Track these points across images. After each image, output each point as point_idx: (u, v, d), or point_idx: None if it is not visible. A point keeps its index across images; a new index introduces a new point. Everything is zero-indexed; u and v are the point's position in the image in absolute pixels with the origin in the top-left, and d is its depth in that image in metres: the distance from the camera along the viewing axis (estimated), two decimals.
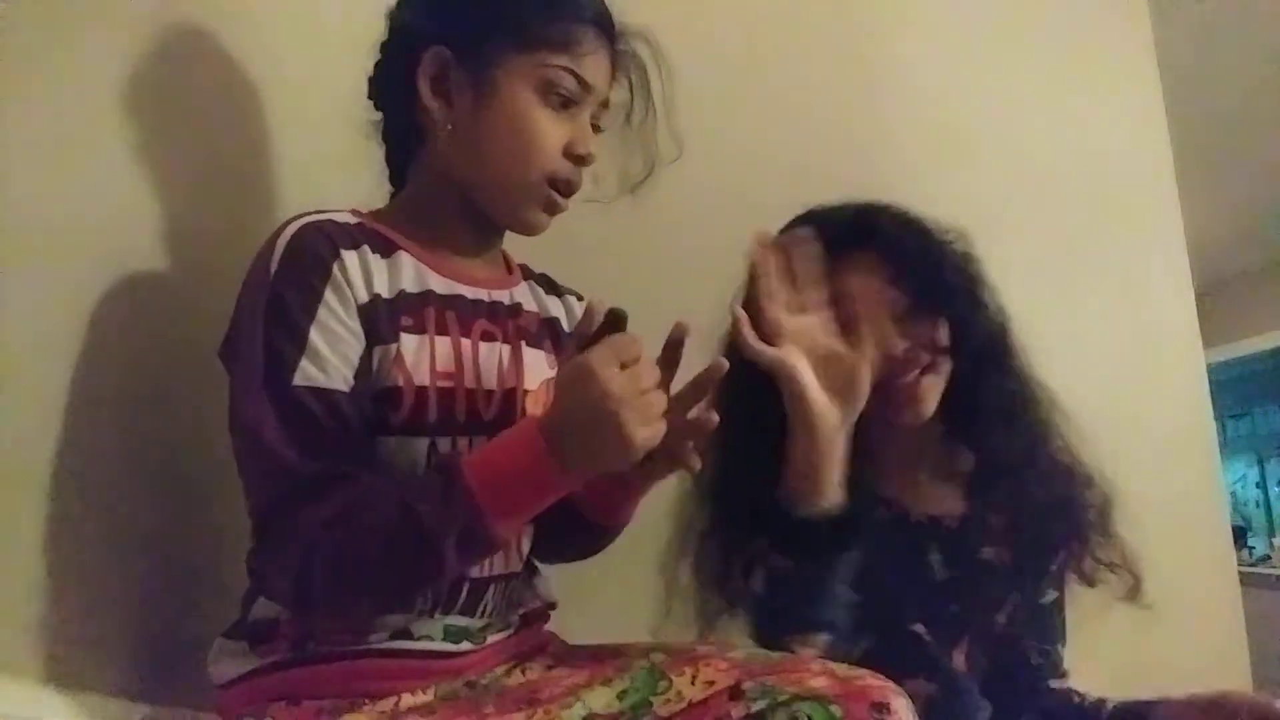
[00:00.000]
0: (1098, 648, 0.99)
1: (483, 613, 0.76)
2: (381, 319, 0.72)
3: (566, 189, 0.80)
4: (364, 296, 0.72)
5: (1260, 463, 5.62)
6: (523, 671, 0.78)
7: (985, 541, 0.93)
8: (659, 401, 0.67)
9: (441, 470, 0.67)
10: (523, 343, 0.82)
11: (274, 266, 0.70)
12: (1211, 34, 2.32)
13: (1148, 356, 1.78)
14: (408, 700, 0.70)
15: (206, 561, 0.83)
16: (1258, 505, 5.58)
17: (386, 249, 0.76)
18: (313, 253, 0.71)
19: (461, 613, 0.75)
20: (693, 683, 0.67)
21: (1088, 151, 1.83)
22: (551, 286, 0.93)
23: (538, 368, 0.82)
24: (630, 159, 0.87)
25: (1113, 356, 1.74)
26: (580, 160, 0.79)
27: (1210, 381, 1.86)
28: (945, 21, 1.80)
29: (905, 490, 0.92)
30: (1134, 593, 0.98)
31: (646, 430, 0.65)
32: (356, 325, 0.71)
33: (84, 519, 0.69)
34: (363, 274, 0.73)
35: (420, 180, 0.83)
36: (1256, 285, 4.61)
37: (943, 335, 0.93)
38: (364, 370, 0.71)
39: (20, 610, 0.63)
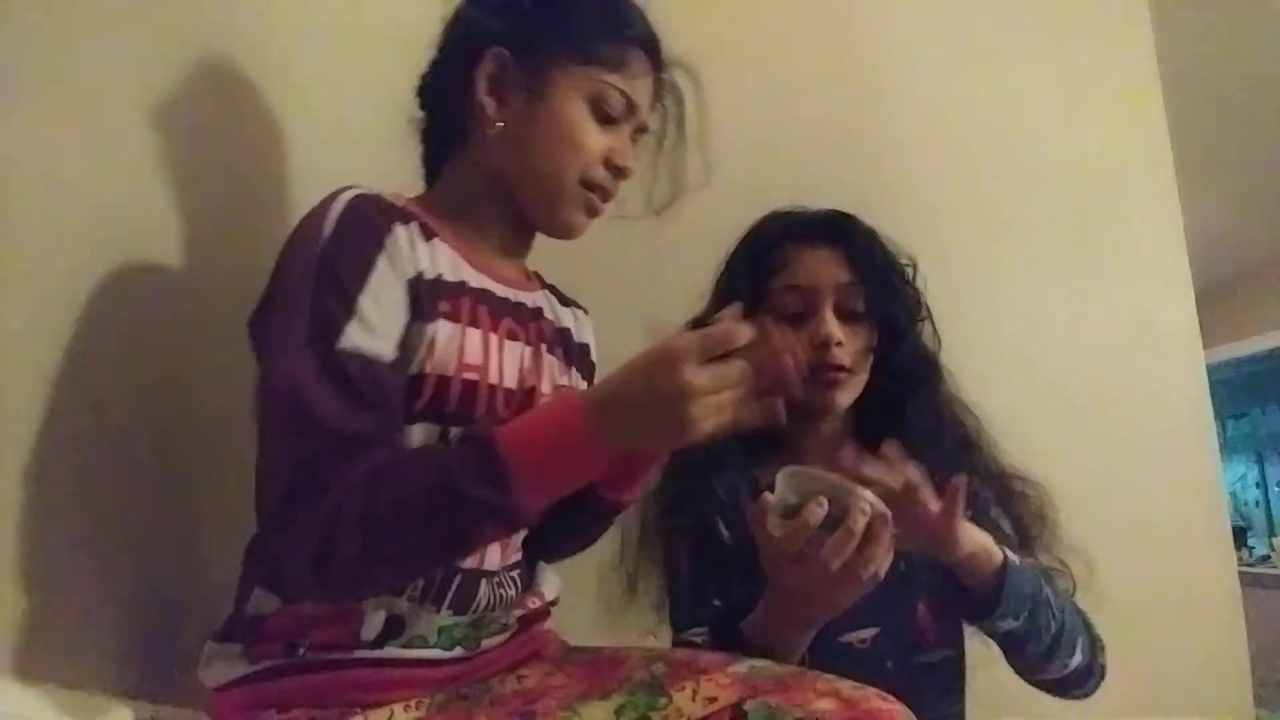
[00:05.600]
0: None
1: (475, 610, 0.75)
2: (424, 297, 0.72)
3: (602, 195, 0.83)
4: (412, 271, 0.72)
5: (1260, 463, 5.62)
6: (519, 679, 0.77)
7: None
8: (733, 401, 0.65)
9: (474, 442, 0.65)
10: (543, 346, 0.83)
11: (326, 232, 0.69)
12: (1211, 34, 2.32)
13: (1148, 356, 1.78)
14: (399, 715, 0.69)
15: (205, 558, 0.83)
16: (1258, 505, 5.58)
17: (427, 233, 0.76)
18: (368, 221, 0.71)
19: (453, 609, 0.73)
20: (693, 699, 0.65)
21: (1088, 151, 1.83)
22: (561, 298, 0.94)
23: (551, 373, 0.83)
24: (658, 183, 0.90)
25: (1113, 356, 1.75)
26: (619, 172, 0.83)
27: (1210, 381, 1.86)
28: (946, 23, 1.80)
29: None
30: (1075, 586, 1.01)
31: (708, 425, 0.64)
32: (405, 297, 0.71)
33: (82, 517, 0.69)
34: (411, 249, 0.73)
35: (462, 176, 0.85)
36: (1256, 285, 4.60)
37: (872, 338, 1.03)
38: (406, 346, 0.70)
39: (19, 609, 0.63)
